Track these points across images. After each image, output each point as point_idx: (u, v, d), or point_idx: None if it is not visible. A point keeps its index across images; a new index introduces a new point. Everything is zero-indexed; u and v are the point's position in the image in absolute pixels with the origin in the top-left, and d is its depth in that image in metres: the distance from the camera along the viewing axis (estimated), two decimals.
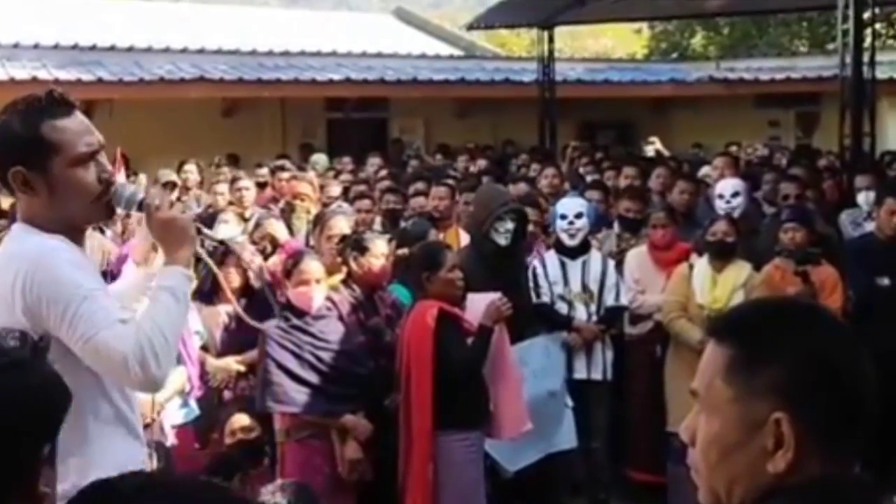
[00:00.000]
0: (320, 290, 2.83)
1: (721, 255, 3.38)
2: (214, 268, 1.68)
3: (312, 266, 2.82)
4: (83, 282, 1.35)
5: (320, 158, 6.75)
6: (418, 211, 4.27)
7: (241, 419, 2.86)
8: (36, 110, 1.37)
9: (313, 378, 2.74)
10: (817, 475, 0.77)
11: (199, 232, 1.49)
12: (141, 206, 1.46)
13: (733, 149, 6.49)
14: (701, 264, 3.43)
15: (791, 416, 0.77)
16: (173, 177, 5.34)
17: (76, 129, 1.39)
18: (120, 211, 1.50)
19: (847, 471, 0.79)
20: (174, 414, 2.93)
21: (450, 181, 4.61)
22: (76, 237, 1.44)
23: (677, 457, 3.33)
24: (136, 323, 1.35)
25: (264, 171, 5.75)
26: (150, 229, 1.45)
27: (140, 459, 1.47)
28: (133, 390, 1.45)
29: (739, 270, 3.40)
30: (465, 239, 3.78)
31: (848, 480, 0.79)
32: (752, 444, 0.78)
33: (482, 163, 6.63)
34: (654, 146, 7.10)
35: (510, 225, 3.21)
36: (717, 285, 3.37)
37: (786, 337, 0.80)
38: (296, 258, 2.85)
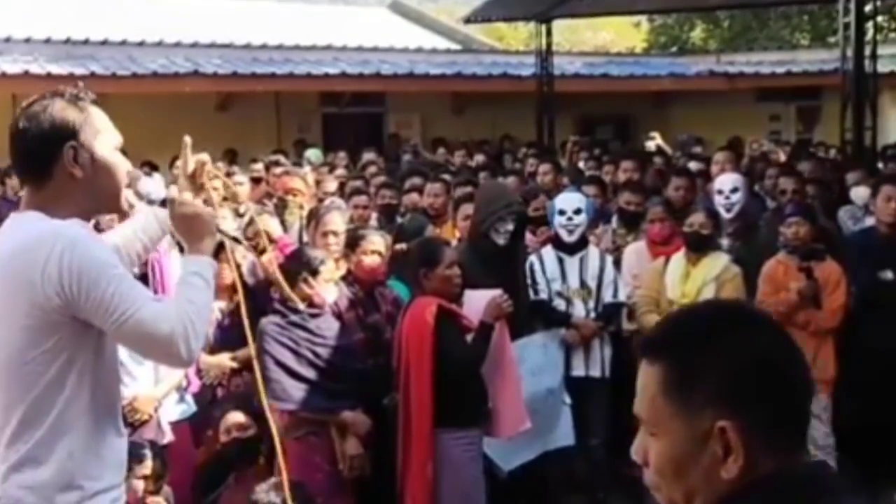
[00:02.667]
0: (331, 287, 2.83)
1: (696, 246, 3.35)
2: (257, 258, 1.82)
3: (332, 265, 2.86)
4: (116, 262, 1.39)
5: (314, 153, 6.70)
6: (413, 206, 4.22)
7: (235, 417, 2.83)
8: (80, 97, 1.45)
9: (311, 374, 2.73)
10: (771, 471, 0.78)
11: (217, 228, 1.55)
12: (164, 202, 1.53)
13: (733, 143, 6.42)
14: (677, 258, 3.41)
15: (735, 422, 0.78)
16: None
17: (109, 121, 1.48)
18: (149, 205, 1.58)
19: (798, 459, 0.80)
20: (171, 410, 2.90)
21: (445, 177, 4.56)
22: (94, 227, 1.55)
23: None
24: (175, 302, 1.40)
25: (259, 166, 5.70)
26: (174, 222, 1.50)
27: (124, 457, 1.50)
28: (169, 366, 1.56)
29: (713, 263, 3.36)
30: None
31: (802, 470, 0.80)
32: (702, 455, 0.79)
33: (479, 158, 6.58)
34: (655, 141, 7.05)
35: (510, 226, 3.18)
36: (688, 279, 3.35)
37: (715, 345, 0.80)
38: (321, 257, 2.88)
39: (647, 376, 0.82)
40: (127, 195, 1.50)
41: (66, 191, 1.41)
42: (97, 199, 1.44)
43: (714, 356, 0.80)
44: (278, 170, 4.99)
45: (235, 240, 1.65)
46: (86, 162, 1.42)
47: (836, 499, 0.78)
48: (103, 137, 1.44)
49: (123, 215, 1.62)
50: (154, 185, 1.62)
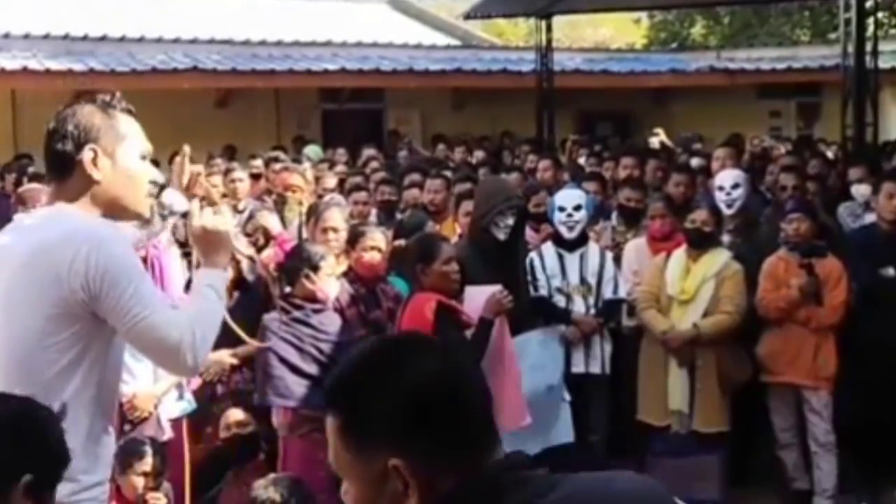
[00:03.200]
0: (333, 282, 2.82)
1: (698, 243, 3.34)
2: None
3: (333, 260, 2.85)
4: (140, 265, 1.45)
5: (314, 150, 6.68)
6: (413, 203, 4.21)
7: (235, 414, 2.84)
8: (110, 104, 1.50)
9: (315, 371, 2.73)
10: (449, 489, 0.81)
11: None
12: (185, 214, 1.59)
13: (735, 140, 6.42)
14: (677, 254, 3.40)
15: (404, 458, 0.81)
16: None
17: (139, 130, 1.53)
18: (170, 218, 1.64)
19: (484, 466, 0.83)
20: (171, 407, 2.90)
21: (445, 173, 4.55)
22: None
23: (655, 448, 3.34)
24: (187, 312, 1.43)
25: (258, 162, 5.69)
26: (192, 236, 1.56)
27: (112, 454, 1.55)
28: (173, 373, 1.61)
29: (714, 260, 3.35)
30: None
31: (484, 478, 0.82)
32: (386, 493, 0.82)
33: (479, 154, 6.56)
34: (658, 137, 7.04)
35: (511, 220, 3.17)
36: (689, 276, 3.34)
37: (374, 387, 0.83)
38: (322, 252, 2.88)
39: (329, 425, 0.86)
40: (152, 204, 1.55)
41: (86, 192, 1.47)
42: (116, 204, 1.48)
43: (374, 398, 0.83)
44: (278, 166, 4.98)
45: (249, 258, 1.69)
46: (106, 166, 1.46)
47: (520, 493, 0.80)
48: (127, 144, 1.48)
49: (145, 223, 1.65)
50: (176, 197, 1.65)
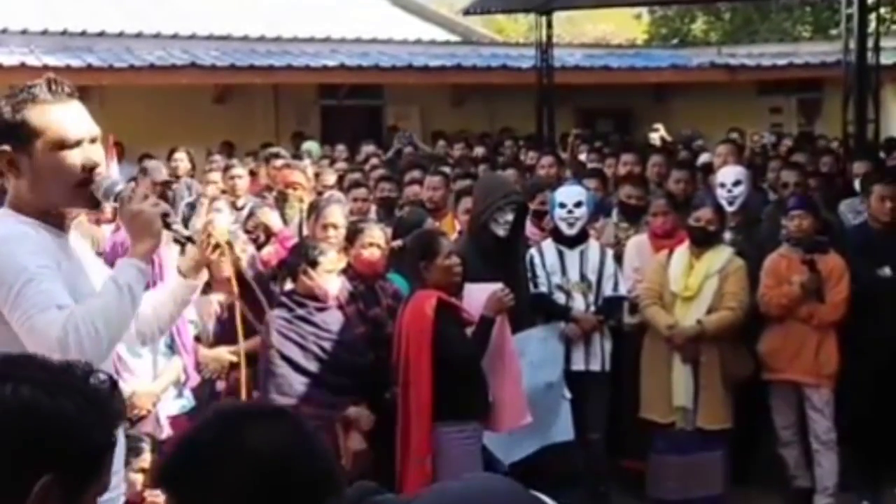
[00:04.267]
0: (336, 279, 2.80)
1: (702, 241, 3.33)
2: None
3: (334, 257, 2.84)
4: (30, 266, 1.36)
5: (313, 146, 6.65)
6: (413, 199, 4.19)
7: None
8: (28, 95, 1.41)
9: (317, 369, 2.72)
10: None
11: (167, 226, 1.48)
12: (117, 198, 1.47)
13: (734, 136, 6.42)
14: (680, 251, 3.38)
15: None
16: (164, 173, 5.26)
17: (65, 115, 1.42)
18: (107, 202, 1.53)
19: None
20: (170, 405, 2.89)
21: (445, 169, 4.53)
22: (58, 223, 1.47)
23: (653, 445, 3.34)
24: (71, 309, 1.35)
25: (249, 159, 5.67)
26: (121, 220, 1.51)
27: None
28: None
29: (716, 256, 3.34)
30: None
31: None
32: None
33: (480, 150, 6.54)
34: (658, 133, 7.01)
35: (510, 216, 3.15)
36: (691, 273, 3.33)
37: (213, 465, 0.82)
38: (322, 248, 2.85)
39: None
40: (92, 189, 1.46)
41: (17, 189, 1.44)
42: (46, 197, 1.43)
43: (216, 474, 0.82)
44: (279, 163, 4.96)
45: (189, 239, 1.57)
46: (24, 166, 1.42)
47: None
48: (42, 140, 1.41)
49: (92, 209, 1.58)
50: (109, 181, 1.52)
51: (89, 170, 1.43)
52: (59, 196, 1.43)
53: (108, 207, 2.11)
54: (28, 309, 1.34)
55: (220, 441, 0.83)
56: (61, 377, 0.86)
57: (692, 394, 3.30)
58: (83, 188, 1.44)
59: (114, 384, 0.89)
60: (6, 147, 1.40)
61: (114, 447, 0.86)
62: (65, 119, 1.41)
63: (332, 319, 2.79)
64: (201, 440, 0.85)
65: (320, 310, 2.77)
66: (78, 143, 1.42)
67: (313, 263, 2.77)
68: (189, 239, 1.58)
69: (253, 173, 5.22)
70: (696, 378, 3.30)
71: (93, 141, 1.45)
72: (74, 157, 1.42)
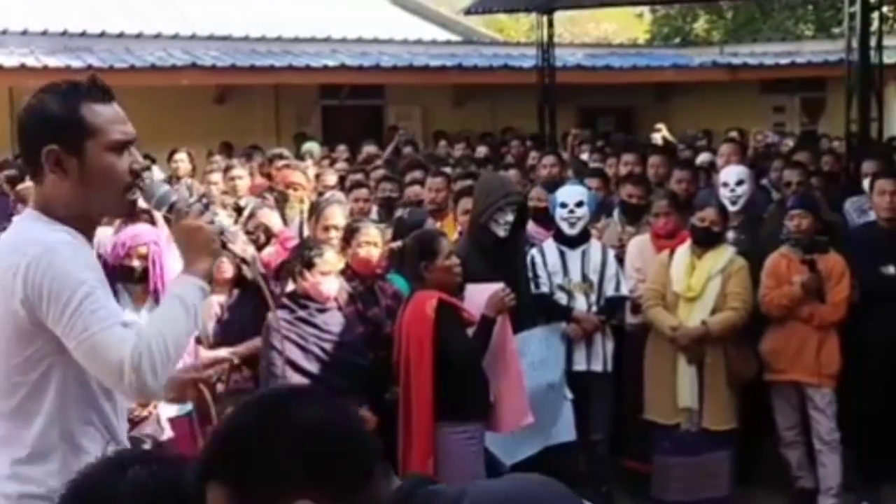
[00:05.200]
0: (333, 281, 2.79)
1: (705, 242, 3.31)
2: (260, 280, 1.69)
3: (333, 258, 2.82)
4: (87, 278, 1.30)
5: (313, 147, 6.65)
6: (413, 200, 4.18)
7: None
8: (76, 92, 1.36)
9: (318, 370, 2.71)
10: None
11: (223, 245, 1.44)
12: (171, 208, 1.43)
13: (733, 134, 6.40)
14: (681, 251, 3.37)
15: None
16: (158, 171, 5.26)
17: (113, 116, 1.37)
18: (145, 206, 1.50)
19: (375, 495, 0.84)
20: (169, 407, 2.88)
21: (446, 170, 4.52)
22: (87, 230, 1.41)
23: (658, 446, 3.32)
24: (139, 328, 1.31)
25: (255, 161, 5.67)
26: (174, 232, 1.43)
27: None
28: (124, 396, 1.40)
29: (719, 256, 3.32)
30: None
31: (397, 498, 0.84)
32: None
33: (482, 149, 6.52)
34: (661, 133, 6.99)
35: (510, 217, 3.14)
36: (694, 273, 3.31)
37: (262, 447, 0.82)
38: (319, 249, 2.82)
39: (212, 498, 0.83)
40: (136, 198, 1.41)
41: (57, 191, 1.36)
42: (89, 201, 1.36)
43: (265, 455, 0.82)
44: (280, 163, 4.96)
45: (244, 261, 1.53)
46: (72, 166, 1.34)
47: None
48: (95, 140, 1.34)
49: (128, 218, 1.55)
50: (162, 186, 1.49)
51: (136, 174, 1.38)
52: (105, 201, 1.37)
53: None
54: (90, 325, 1.26)
55: (265, 422, 0.83)
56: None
57: (697, 395, 3.28)
58: (126, 192, 1.38)
59: None
60: (54, 146, 1.32)
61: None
62: (114, 120, 1.36)
63: (333, 321, 2.79)
64: (245, 424, 0.84)
65: (321, 311, 2.77)
66: (125, 146, 1.37)
67: (309, 265, 2.76)
68: (244, 261, 1.53)
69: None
70: (701, 379, 3.29)
71: (134, 141, 1.40)
72: (124, 161, 1.36)
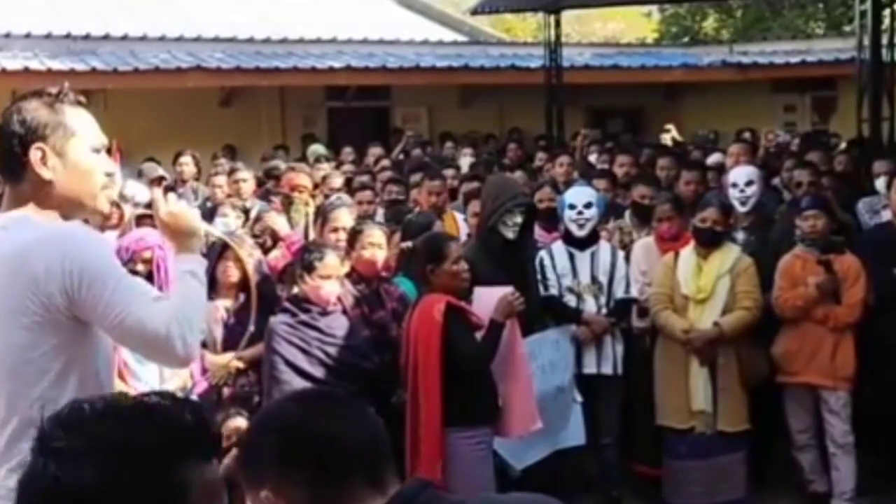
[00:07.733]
0: (334, 284, 2.77)
1: (709, 242, 3.27)
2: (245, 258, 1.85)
3: (335, 261, 2.81)
4: (118, 263, 1.44)
5: (318, 149, 6.63)
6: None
7: (238, 423, 2.78)
8: (56, 97, 1.46)
9: (322, 374, 2.69)
10: None
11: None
12: (149, 204, 1.56)
13: (746, 135, 6.34)
14: (687, 253, 3.32)
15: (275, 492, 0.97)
16: (160, 171, 5.25)
17: (90, 120, 1.49)
18: (123, 206, 1.61)
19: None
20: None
21: (448, 172, 4.48)
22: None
23: (673, 451, 3.27)
24: (171, 302, 1.42)
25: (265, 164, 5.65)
26: (159, 224, 1.54)
27: None
28: (167, 366, 1.63)
29: (725, 256, 3.28)
30: (462, 226, 3.66)
31: (400, 500, 0.97)
32: None
33: (508, 147, 6.46)
34: (670, 134, 6.94)
35: (518, 218, 3.11)
36: (701, 274, 3.26)
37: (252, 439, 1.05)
38: (320, 253, 2.81)
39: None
40: (110, 197, 1.51)
41: (40, 192, 1.43)
42: (70, 201, 1.45)
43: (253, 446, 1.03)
44: (283, 166, 4.94)
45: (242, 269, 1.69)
46: (56, 165, 1.42)
47: None
48: (77, 139, 1.44)
49: (105, 218, 1.63)
50: (138, 187, 1.64)
51: (111, 176, 1.49)
52: (85, 200, 1.46)
53: (116, 213, 2.11)
54: (130, 303, 1.36)
55: (285, 426, 0.97)
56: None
57: (711, 397, 3.23)
58: (104, 192, 1.48)
59: None
60: (41, 145, 1.41)
61: None
62: (93, 125, 1.48)
63: (337, 324, 2.76)
64: (272, 427, 1.00)
65: (324, 314, 2.74)
66: (100, 150, 1.48)
67: (309, 268, 2.74)
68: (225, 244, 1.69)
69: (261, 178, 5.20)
70: (714, 381, 3.24)
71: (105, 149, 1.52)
72: (102, 162, 1.48)
